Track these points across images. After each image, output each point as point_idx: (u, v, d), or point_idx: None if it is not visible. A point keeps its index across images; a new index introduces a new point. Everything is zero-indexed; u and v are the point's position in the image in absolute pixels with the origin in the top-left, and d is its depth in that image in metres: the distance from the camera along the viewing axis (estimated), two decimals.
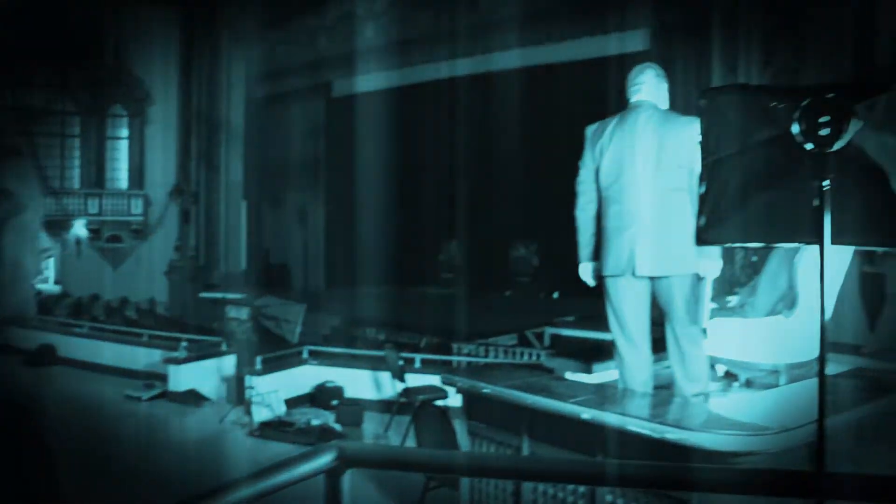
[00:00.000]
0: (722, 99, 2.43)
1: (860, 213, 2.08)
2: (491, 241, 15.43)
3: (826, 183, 1.97)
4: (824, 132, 1.95)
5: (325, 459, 1.71)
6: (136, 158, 17.73)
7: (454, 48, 12.25)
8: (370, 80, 14.33)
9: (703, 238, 2.42)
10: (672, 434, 3.50)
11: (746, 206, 2.24)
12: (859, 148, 1.99)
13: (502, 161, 13.10)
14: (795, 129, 2.01)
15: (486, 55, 11.99)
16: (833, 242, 2.00)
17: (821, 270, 2.05)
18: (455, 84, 12.98)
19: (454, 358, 9.51)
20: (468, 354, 9.49)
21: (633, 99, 4.12)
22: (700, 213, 2.37)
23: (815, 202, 1.99)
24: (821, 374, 2.04)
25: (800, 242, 2.42)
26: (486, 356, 9.36)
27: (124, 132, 17.77)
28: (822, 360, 2.05)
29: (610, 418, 3.73)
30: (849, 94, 1.98)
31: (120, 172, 17.90)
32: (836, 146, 1.95)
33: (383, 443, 7.77)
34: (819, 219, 1.99)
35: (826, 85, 2.08)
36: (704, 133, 2.47)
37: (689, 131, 3.80)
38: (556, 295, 14.93)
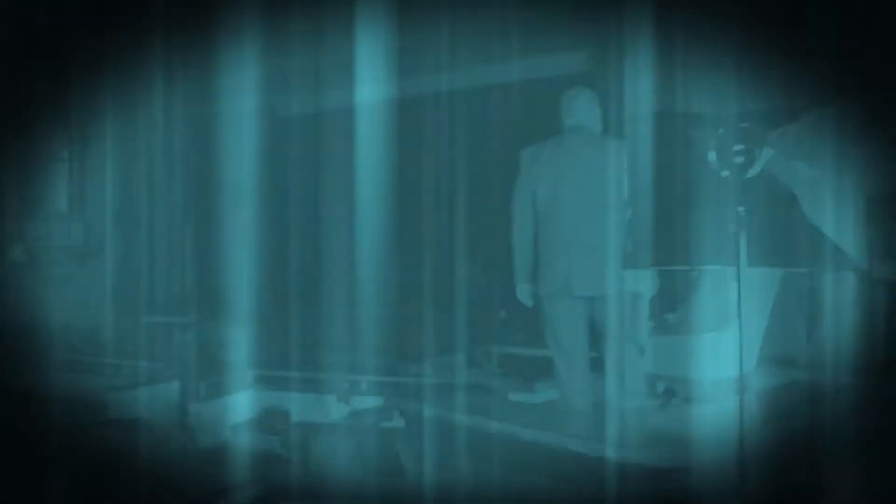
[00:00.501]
0: (646, 127, 2.50)
1: (774, 237, 2.15)
2: (436, 260, 15.42)
3: (742, 209, 2.05)
4: (739, 160, 2.03)
5: (247, 494, 1.70)
6: (75, 181, 17.36)
7: (393, 70, 12.28)
8: (312, 102, 14.28)
9: (630, 262, 2.48)
10: (612, 452, 3.55)
11: (670, 231, 2.31)
12: (772, 174, 2.07)
13: (445, 180, 13.13)
14: (712, 156, 2.08)
15: (423, 78, 12.03)
16: (749, 265, 2.07)
17: (738, 292, 2.12)
18: (394, 105, 13.01)
19: (401, 379, 9.47)
20: (415, 375, 9.45)
21: (568, 123, 4.20)
22: (627, 237, 2.43)
23: (732, 227, 2.06)
24: (740, 392, 2.10)
25: (721, 265, 2.51)
26: (434, 377, 9.34)
27: (63, 153, 17.40)
28: (741, 378, 2.11)
29: (550, 438, 3.77)
30: (762, 123, 2.06)
31: (59, 196, 17.51)
32: (750, 173, 2.03)
33: (331, 468, 7.68)
34: (736, 243, 2.06)
35: (741, 113, 2.16)
36: (631, 159, 2.54)
37: (622, 154, 3.88)
38: (503, 313, 14.96)
